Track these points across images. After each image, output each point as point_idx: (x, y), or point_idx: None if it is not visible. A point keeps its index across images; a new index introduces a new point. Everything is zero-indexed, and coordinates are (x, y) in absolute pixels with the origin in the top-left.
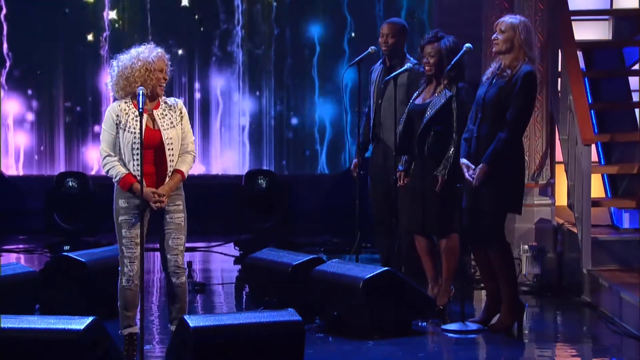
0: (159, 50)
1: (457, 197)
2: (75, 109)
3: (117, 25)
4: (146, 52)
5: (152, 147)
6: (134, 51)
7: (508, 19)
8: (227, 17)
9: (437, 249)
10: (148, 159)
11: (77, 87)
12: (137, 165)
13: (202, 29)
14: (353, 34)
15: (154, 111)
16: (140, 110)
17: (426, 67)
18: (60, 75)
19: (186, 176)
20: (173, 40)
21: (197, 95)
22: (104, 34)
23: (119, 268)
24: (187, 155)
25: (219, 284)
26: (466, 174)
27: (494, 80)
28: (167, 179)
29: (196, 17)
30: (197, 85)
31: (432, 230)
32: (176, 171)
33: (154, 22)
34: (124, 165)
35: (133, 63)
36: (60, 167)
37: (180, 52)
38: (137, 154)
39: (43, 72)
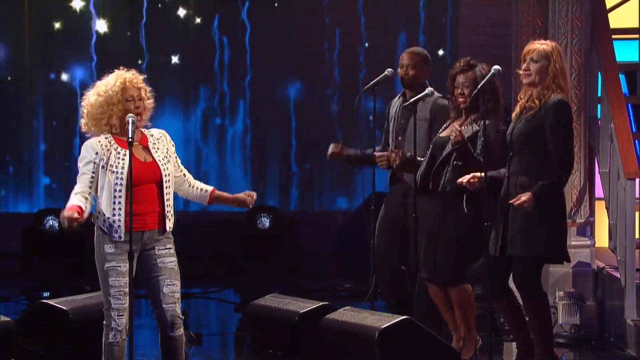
0: (128, 75)
1: (480, 241)
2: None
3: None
4: (111, 81)
5: (148, 183)
6: (99, 83)
7: (539, 45)
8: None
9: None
10: (148, 196)
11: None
12: (119, 206)
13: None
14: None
15: (145, 145)
16: (130, 140)
17: (460, 99)
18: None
19: None
20: None
21: None
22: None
23: (104, 322)
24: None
25: (216, 335)
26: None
27: (521, 114)
28: (167, 221)
29: None
30: None
31: (441, 277)
32: (213, 190)
33: None
34: (102, 205)
35: (95, 99)
36: (40, 203)
37: None
38: (120, 196)
39: None
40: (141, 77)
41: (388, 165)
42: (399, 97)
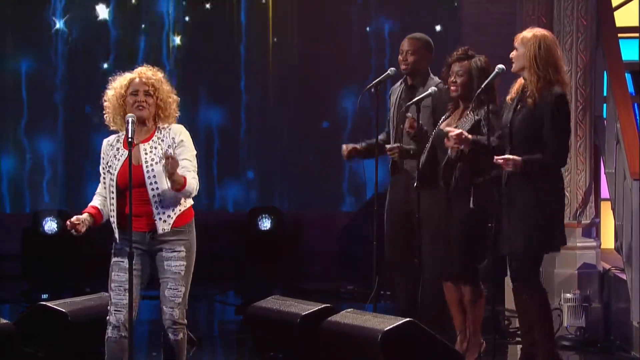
0: (140, 69)
1: (486, 240)
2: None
3: None
4: (125, 76)
5: (137, 185)
6: (117, 78)
7: (526, 32)
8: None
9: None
10: (139, 198)
11: None
12: (113, 209)
13: None
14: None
15: (141, 145)
16: (130, 139)
17: (452, 87)
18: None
19: (187, 187)
20: None
21: None
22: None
23: (107, 317)
24: (187, 173)
25: (217, 337)
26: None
27: (519, 105)
28: (159, 222)
29: None
30: None
31: (454, 274)
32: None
33: None
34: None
35: (109, 94)
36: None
37: None
38: (113, 197)
39: None
40: (160, 75)
41: (400, 156)
42: (401, 84)
